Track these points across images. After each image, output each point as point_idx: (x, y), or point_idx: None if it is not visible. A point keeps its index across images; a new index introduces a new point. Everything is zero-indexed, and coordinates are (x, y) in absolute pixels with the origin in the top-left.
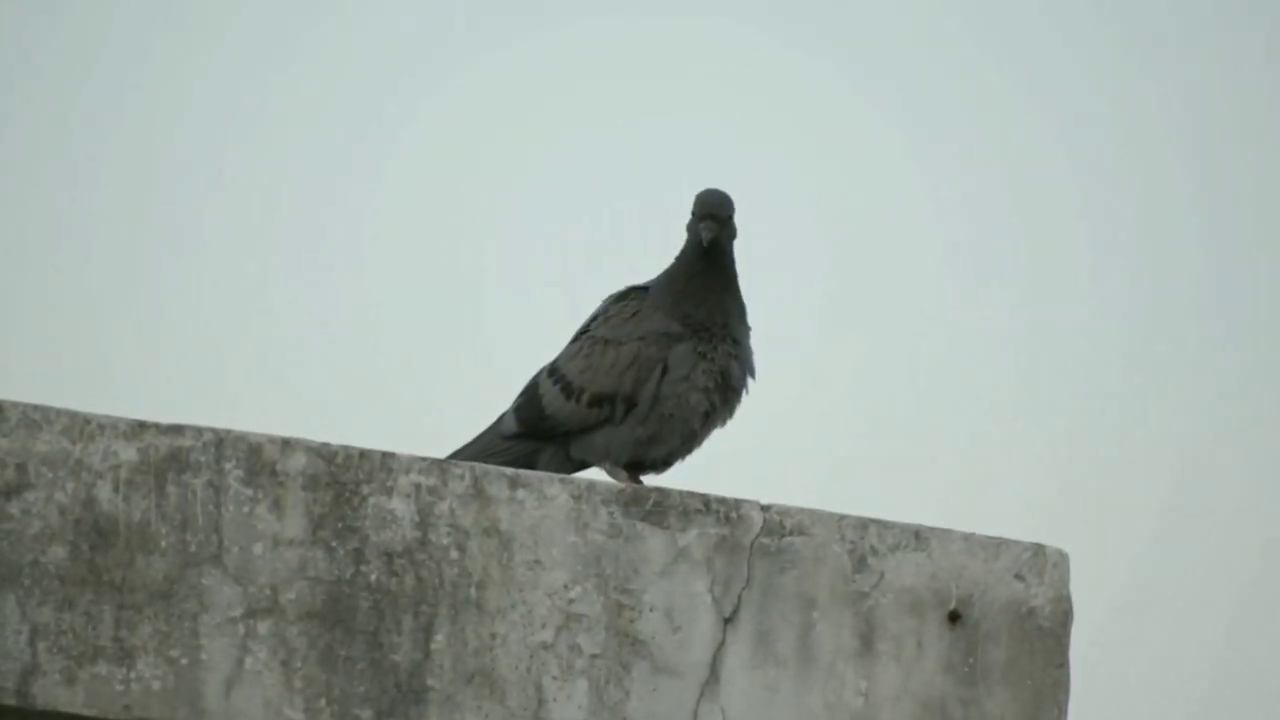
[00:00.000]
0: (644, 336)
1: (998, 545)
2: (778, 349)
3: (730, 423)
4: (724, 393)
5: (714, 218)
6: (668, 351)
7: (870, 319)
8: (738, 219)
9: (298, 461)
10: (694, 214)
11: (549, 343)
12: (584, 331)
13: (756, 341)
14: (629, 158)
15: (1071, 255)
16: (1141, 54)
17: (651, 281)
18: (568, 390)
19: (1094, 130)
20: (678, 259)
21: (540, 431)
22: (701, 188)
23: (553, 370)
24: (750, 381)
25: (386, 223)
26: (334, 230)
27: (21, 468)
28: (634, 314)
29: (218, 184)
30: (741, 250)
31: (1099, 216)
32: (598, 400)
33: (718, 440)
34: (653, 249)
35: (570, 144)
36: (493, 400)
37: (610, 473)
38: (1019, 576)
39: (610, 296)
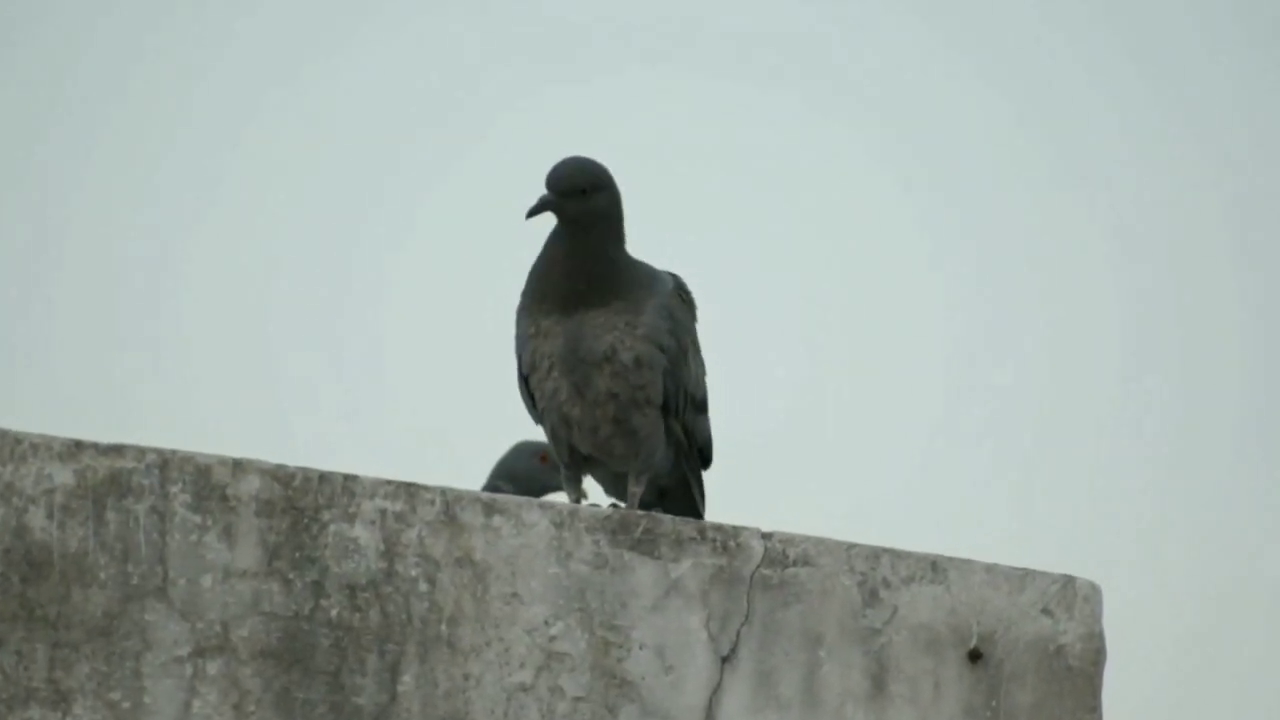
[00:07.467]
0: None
1: (1023, 577)
2: (785, 370)
3: (643, 396)
4: (574, 369)
5: (549, 191)
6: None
7: (885, 338)
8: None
9: (250, 485)
10: None
11: None
12: None
13: (735, 353)
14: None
15: (1101, 272)
16: (1177, 105)
17: None
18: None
19: (1112, 132)
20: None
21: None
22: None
23: None
24: (630, 350)
25: (363, 240)
26: (303, 242)
27: None
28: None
29: (198, 197)
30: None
31: (1131, 233)
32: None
33: (716, 464)
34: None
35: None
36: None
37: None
38: (1046, 611)
39: None
